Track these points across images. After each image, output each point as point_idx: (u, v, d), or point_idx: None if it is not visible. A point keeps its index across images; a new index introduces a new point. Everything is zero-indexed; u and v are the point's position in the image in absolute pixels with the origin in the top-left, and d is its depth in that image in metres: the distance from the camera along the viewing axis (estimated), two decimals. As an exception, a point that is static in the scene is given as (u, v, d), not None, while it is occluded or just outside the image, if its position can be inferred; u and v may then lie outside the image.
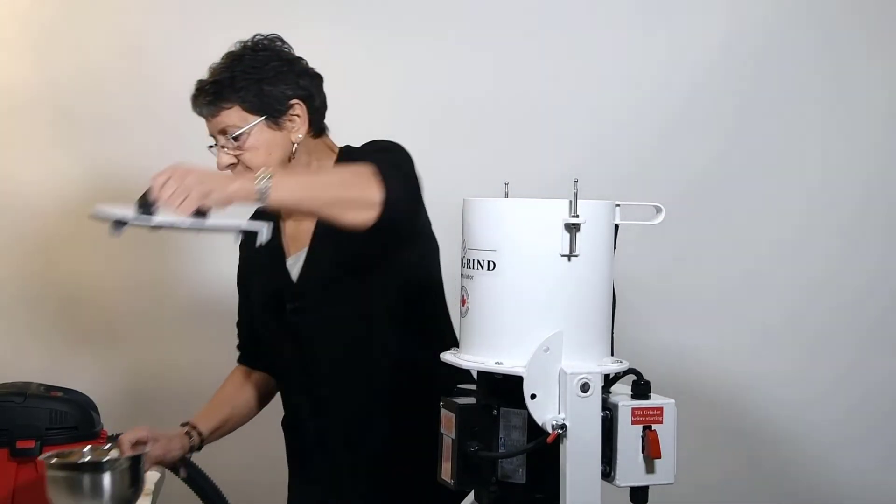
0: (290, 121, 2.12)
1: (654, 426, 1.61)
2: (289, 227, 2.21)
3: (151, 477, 2.16)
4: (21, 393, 1.79)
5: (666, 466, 1.61)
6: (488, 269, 1.63)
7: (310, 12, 3.16)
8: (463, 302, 1.68)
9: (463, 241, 1.70)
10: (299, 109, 2.12)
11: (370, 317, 2.12)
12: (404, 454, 2.09)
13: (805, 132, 3.36)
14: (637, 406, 1.61)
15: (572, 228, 1.60)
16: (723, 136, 3.33)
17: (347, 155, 2.16)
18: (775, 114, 3.35)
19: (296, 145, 2.12)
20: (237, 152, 2.09)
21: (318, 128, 2.17)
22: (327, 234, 2.08)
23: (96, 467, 1.87)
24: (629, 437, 1.61)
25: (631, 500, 1.64)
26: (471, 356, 1.66)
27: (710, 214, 3.32)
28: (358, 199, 1.88)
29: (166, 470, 2.17)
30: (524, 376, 1.57)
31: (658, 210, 1.77)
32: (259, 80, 2.10)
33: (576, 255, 1.61)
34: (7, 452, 1.74)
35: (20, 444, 1.74)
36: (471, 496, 1.70)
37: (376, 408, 2.14)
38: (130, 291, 3.12)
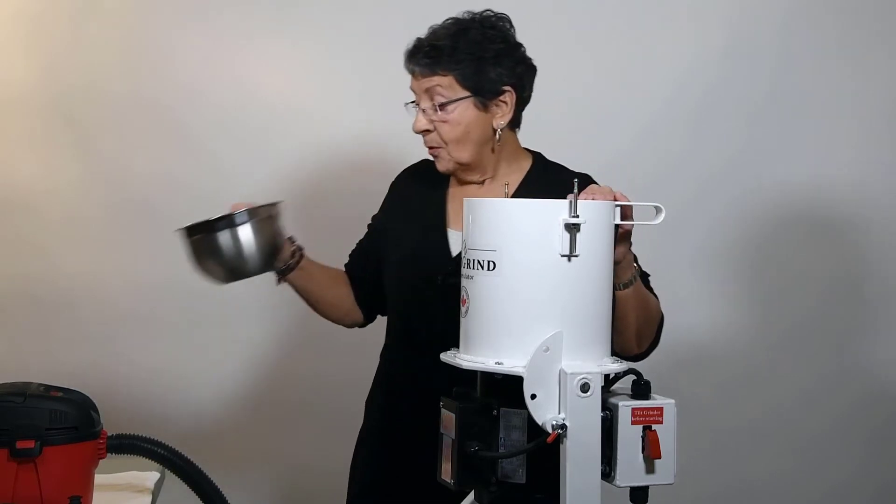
0: (496, 105, 2.13)
1: (654, 426, 1.61)
2: (457, 203, 2.19)
3: (151, 477, 2.16)
4: (21, 393, 1.79)
5: (666, 467, 1.61)
6: (488, 269, 1.64)
7: (311, 12, 3.17)
8: (463, 302, 1.69)
9: (463, 241, 1.70)
10: (508, 97, 2.14)
11: None
12: None
13: (809, 131, 3.36)
14: (637, 406, 1.61)
15: (572, 228, 1.60)
16: (723, 136, 3.33)
17: (554, 173, 2.22)
18: (777, 114, 3.35)
19: (498, 132, 2.14)
20: (437, 120, 2.11)
21: (517, 120, 2.20)
22: None
23: (231, 220, 2.04)
24: (629, 437, 1.61)
25: (631, 500, 1.64)
26: (471, 356, 1.66)
27: (710, 214, 3.32)
28: (648, 338, 2.07)
29: (166, 470, 2.17)
30: (524, 376, 1.57)
31: (658, 210, 1.77)
32: (480, 58, 2.10)
33: (576, 256, 1.61)
34: (7, 452, 1.73)
35: (20, 445, 1.73)
36: (471, 496, 1.71)
37: None
38: (130, 291, 3.13)
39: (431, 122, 2.13)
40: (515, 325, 1.62)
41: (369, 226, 2.43)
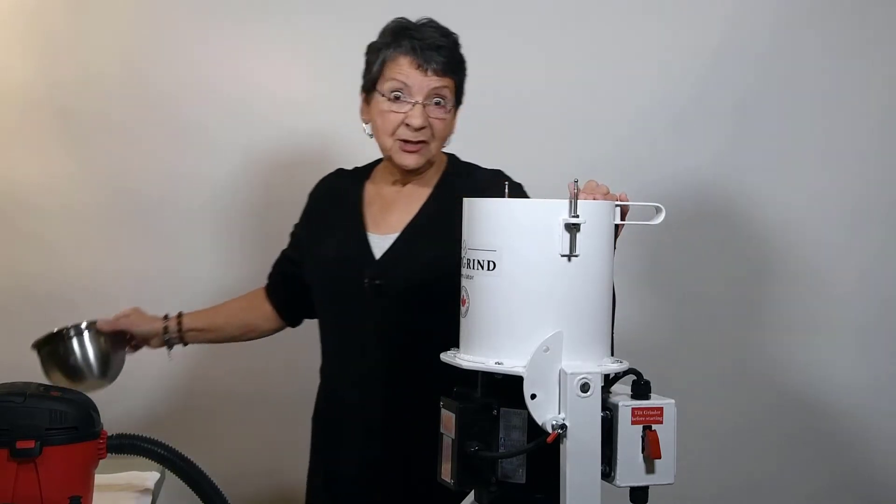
0: (456, 113, 2.29)
1: (654, 426, 1.61)
2: (374, 208, 2.32)
3: (151, 477, 2.16)
4: (21, 393, 1.79)
5: (666, 466, 1.61)
6: (488, 269, 1.64)
7: (311, 12, 3.16)
8: (463, 302, 1.68)
9: (463, 241, 1.70)
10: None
11: (441, 315, 2.15)
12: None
13: (806, 131, 3.36)
14: (637, 406, 1.61)
15: (572, 228, 1.60)
16: (724, 136, 3.33)
17: (463, 171, 2.34)
18: (776, 113, 3.35)
19: (453, 135, 2.30)
20: (434, 117, 2.21)
21: None
22: (423, 230, 2.23)
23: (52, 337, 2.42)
24: (629, 437, 1.61)
25: (631, 500, 1.64)
26: (471, 356, 1.66)
27: (710, 213, 3.32)
28: None
29: (166, 470, 2.17)
30: (524, 376, 1.57)
31: (658, 210, 1.77)
32: (465, 73, 2.29)
33: (576, 256, 1.61)
34: (7, 452, 1.73)
35: (20, 445, 1.74)
36: (471, 496, 1.70)
37: (421, 401, 2.18)
38: (130, 289, 3.12)
39: (427, 117, 2.20)
40: (515, 325, 1.61)
41: (291, 235, 2.51)
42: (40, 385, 1.87)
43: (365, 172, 2.41)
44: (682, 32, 3.30)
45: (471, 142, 3.15)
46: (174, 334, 2.48)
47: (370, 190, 2.36)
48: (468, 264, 1.67)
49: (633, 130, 3.29)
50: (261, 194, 3.17)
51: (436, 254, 2.17)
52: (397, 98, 2.20)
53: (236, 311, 2.55)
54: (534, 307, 1.61)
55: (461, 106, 2.30)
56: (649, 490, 1.63)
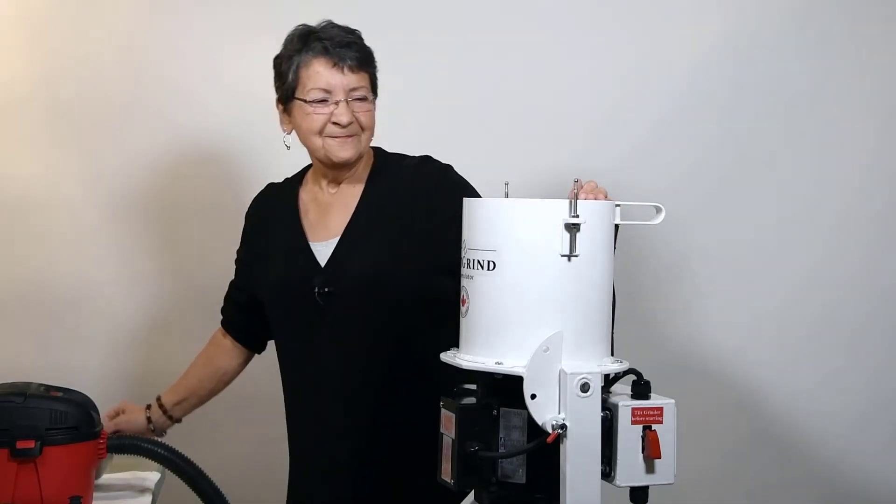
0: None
1: (654, 426, 1.61)
2: (311, 215, 2.31)
3: (151, 477, 2.16)
4: (21, 393, 1.79)
5: (666, 466, 1.61)
6: (488, 269, 1.64)
7: (310, 12, 3.16)
8: (463, 302, 1.68)
9: (463, 241, 1.70)
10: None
11: (397, 311, 2.18)
12: (411, 452, 2.12)
13: (800, 128, 3.36)
14: (637, 406, 1.61)
15: (572, 228, 1.60)
16: (725, 136, 3.33)
17: (391, 160, 2.32)
18: (772, 111, 3.35)
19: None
20: (358, 110, 2.21)
21: None
22: (363, 228, 2.22)
23: None
24: (629, 437, 1.61)
25: (631, 500, 1.64)
26: (471, 356, 1.66)
27: (711, 213, 3.32)
28: None
29: (166, 470, 2.17)
30: (524, 376, 1.57)
31: (658, 210, 1.77)
32: (375, 63, 2.28)
33: (576, 255, 1.61)
34: (7, 452, 1.73)
35: (20, 445, 1.74)
36: (471, 496, 1.70)
37: (394, 400, 2.19)
38: (130, 291, 3.12)
39: (352, 113, 2.21)
40: (515, 325, 1.61)
41: (236, 262, 2.48)
42: (40, 385, 1.87)
43: (296, 181, 2.40)
44: (679, 33, 3.30)
45: (471, 142, 3.17)
46: (160, 418, 2.44)
47: (304, 198, 2.34)
48: (468, 264, 1.67)
49: (639, 132, 3.29)
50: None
51: (380, 250, 2.18)
52: (321, 101, 2.20)
53: (201, 365, 2.52)
54: (534, 307, 1.61)
55: (377, 98, 2.29)
56: (649, 490, 1.63)
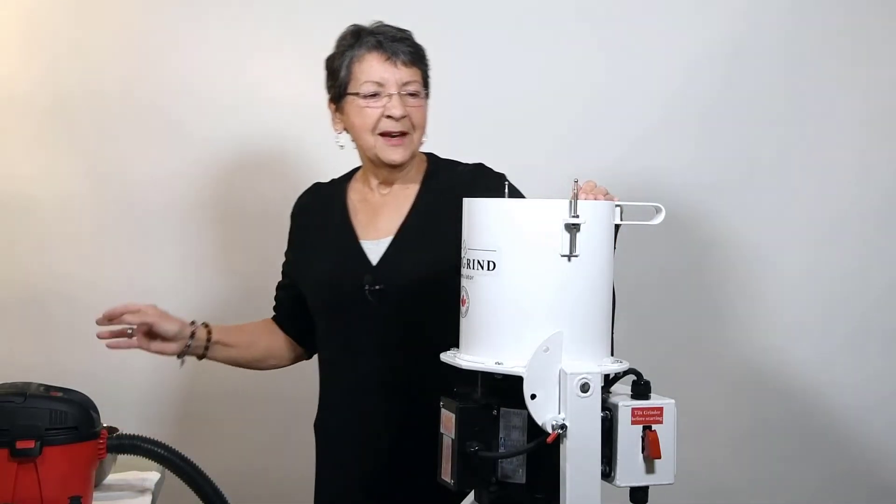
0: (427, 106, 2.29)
1: (654, 426, 1.61)
2: (361, 215, 2.31)
3: (151, 477, 2.16)
4: (21, 393, 1.79)
5: (666, 466, 1.61)
6: (488, 269, 1.64)
7: (312, 12, 3.16)
8: (463, 302, 1.68)
9: (463, 241, 1.70)
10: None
11: (444, 310, 2.16)
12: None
13: (805, 132, 3.36)
14: (637, 406, 1.61)
15: (572, 228, 1.60)
16: (726, 136, 3.33)
17: (445, 167, 2.33)
18: (778, 115, 3.35)
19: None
20: (411, 106, 2.22)
21: None
22: (418, 229, 2.24)
23: None
24: (629, 437, 1.61)
25: (631, 500, 1.64)
26: (471, 356, 1.66)
27: (711, 213, 3.32)
28: None
29: (166, 470, 2.17)
30: (524, 376, 1.57)
31: (658, 210, 1.77)
32: (428, 62, 2.29)
33: (576, 256, 1.61)
34: (7, 452, 1.73)
35: (20, 445, 1.73)
36: (471, 496, 1.70)
37: (433, 394, 2.19)
38: (129, 291, 3.12)
39: (405, 107, 2.22)
40: (515, 325, 1.61)
41: (284, 265, 2.47)
42: (40, 385, 1.87)
43: (344, 181, 2.40)
44: (689, 34, 3.30)
45: (472, 142, 3.17)
46: (200, 342, 2.35)
47: (353, 198, 2.35)
48: (468, 264, 1.67)
49: (638, 132, 3.29)
50: (262, 196, 3.17)
51: (433, 252, 2.18)
52: (374, 95, 2.21)
53: (261, 331, 2.47)
54: (534, 307, 1.61)
55: (428, 99, 2.30)
56: (649, 490, 1.63)
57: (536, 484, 1.63)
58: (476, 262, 1.65)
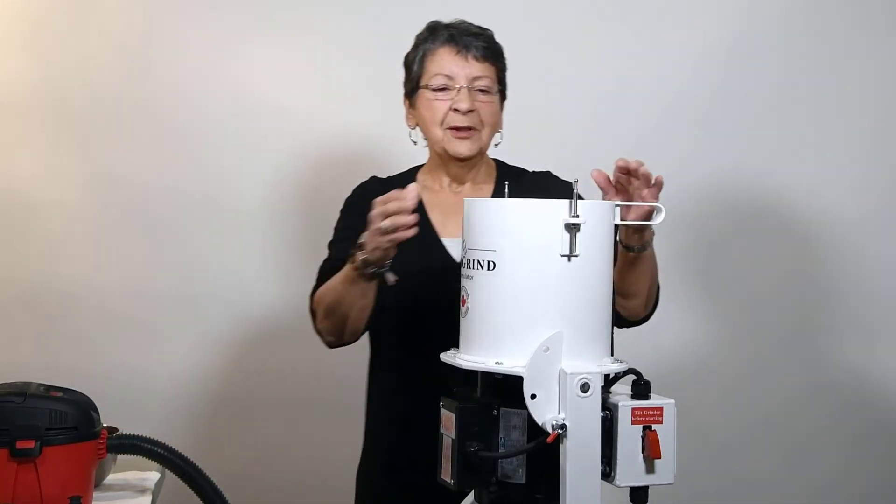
0: (502, 106, 2.28)
1: (654, 426, 1.61)
2: (436, 213, 2.26)
3: (151, 477, 2.16)
4: (21, 393, 1.79)
5: (666, 466, 1.61)
6: (488, 269, 1.64)
7: (314, 13, 3.16)
8: (463, 302, 1.69)
9: (463, 241, 1.70)
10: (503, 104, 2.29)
11: None
12: None
13: (805, 132, 3.37)
14: (637, 406, 1.61)
15: (572, 228, 1.61)
16: (727, 137, 3.33)
17: (514, 174, 2.30)
18: (779, 115, 3.35)
19: (500, 136, 2.29)
20: (480, 101, 2.22)
21: None
22: None
23: None
24: (629, 437, 1.61)
25: (631, 500, 1.64)
26: (471, 356, 1.66)
27: (710, 213, 3.32)
28: (653, 299, 2.18)
29: (166, 470, 2.17)
30: (524, 376, 1.57)
31: (658, 210, 1.77)
32: (505, 66, 2.30)
33: (576, 255, 1.61)
34: (7, 452, 1.73)
35: (20, 445, 1.73)
36: (471, 496, 1.70)
37: None
38: (129, 291, 3.12)
39: (473, 101, 2.21)
40: (515, 325, 1.62)
41: (338, 239, 2.30)
42: (40, 385, 1.87)
43: (407, 178, 2.31)
44: (704, 28, 3.29)
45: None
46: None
47: (425, 196, 2.27)
48: (468, 264, 1.67)
49: (659, 128, 3.28)
50: (263, 196, 3.17)
51: None
52: (443, 88, 2.21)
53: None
54: (534, 307, 1.61)
55: (505, 100, 2.29)
56: (649, 490, 1.63)
57: (536, 484, 1.63)
58: (476, 262, 1.65)
